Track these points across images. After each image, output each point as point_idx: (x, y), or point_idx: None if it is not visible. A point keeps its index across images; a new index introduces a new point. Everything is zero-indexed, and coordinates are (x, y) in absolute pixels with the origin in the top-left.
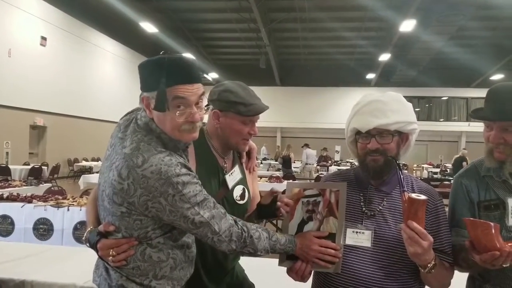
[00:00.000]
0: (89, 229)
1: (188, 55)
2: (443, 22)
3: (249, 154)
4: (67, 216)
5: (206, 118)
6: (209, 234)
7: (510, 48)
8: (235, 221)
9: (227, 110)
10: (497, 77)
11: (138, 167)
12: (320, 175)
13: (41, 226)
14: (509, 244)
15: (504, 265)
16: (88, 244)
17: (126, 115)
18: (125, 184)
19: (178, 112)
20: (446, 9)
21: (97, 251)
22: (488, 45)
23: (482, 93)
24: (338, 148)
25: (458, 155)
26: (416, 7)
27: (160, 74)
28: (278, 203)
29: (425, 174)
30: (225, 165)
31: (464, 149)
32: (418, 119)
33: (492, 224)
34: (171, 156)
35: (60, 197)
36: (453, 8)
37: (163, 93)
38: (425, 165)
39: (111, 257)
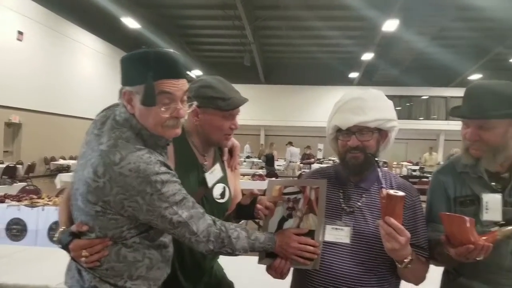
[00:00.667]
0: (61, 229)
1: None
2: (425, 22)
3: (231, 151)
4: (41, 216)
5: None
6: (187, 235)
7: (488, 48)
8: (214, 221)
9: (206, 106)
10: (475, 76)
11: (115, 164)
12: (303, 173)
13: (14, 226)
14: (483, 237)
15: (478, 258)
16: (60, 245)
17: (102, 111)
18: (100, 182)
19: (164, 107)
20: (428, 9)
21: (69, 252)
22: (468, 46)
23: (460, 92)
24: (321, 146)
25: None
26: (399, 7)
27: (147, 68)
28: (258, 205)
29: (404, 172)
30: (205, 163)
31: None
32: (399, 117)
33: (467, 218)
34: (150, 154)
35: (35, 197)
36: (435, 9)
37: (152, 87)
38: (404, 163)
39: (84, 258)
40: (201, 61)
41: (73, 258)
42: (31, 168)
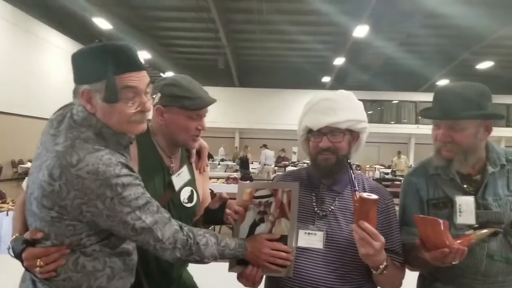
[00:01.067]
0: (13, 236)
1: (144, 53)
2: (393, 28)
3: (199, 153)
4: (6, 222)
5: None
6: (151, 241)
7: (455, 55)
8: (181, 227)
9: (171, 105)
10: (443, 82)
11: (72, 166)
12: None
13: None
14: (458, 241)
15: (454, 262)
16: (12, 254)
17: (59, 109)
18: (56, 186)
19: (129, 102)
20: (396, 16)
21: (22, 262)
22: (435, 52)
23: (429, 97)
24: (295, 149)
25: None
26: (369, 13)
27: (106, 62)
28: (227, 210)
29: (377, 175)
30: (171, 165)
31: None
32: (371, 121)
33: (441, 221)
34: (110, 155)
35: (0, 201)
36: (403, 16)
37: (113, 82)
38: (377, 166)
39: (38, 268)
40: (174, 63)
41: (27, 268)
42: None
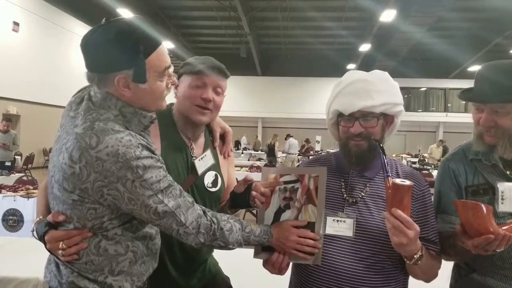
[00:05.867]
0: (37, 219)
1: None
2: (422, 12)
3: (223, 137)
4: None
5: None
6: (174, 226)
7: (487, 39)
8: (204, 212)
9: (181, 75)
10: (475, 68)
11: (91, 148)
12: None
13: (10, 217)
14: (504, 227)
15: (498, 250)
16: (36, 236)
17: (78, 92)
18: (76, 168)
19: (161, 78)
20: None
21: (45, 244)
22: (466, 36)
23: (460, 84)
24: (318, 138)
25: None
26: None
27: (137, 46)
28: (253, 192)
29: (404, 164)
30: (194, 149)
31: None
32: None
33: (483, 205)
34: (131, 137)
35: (31, 187)
36: None
37: (144, 63)
38: (403, 155)
39: (60, 251)
40: (197, 52)
41: (49, 251)
42: (29, 159)
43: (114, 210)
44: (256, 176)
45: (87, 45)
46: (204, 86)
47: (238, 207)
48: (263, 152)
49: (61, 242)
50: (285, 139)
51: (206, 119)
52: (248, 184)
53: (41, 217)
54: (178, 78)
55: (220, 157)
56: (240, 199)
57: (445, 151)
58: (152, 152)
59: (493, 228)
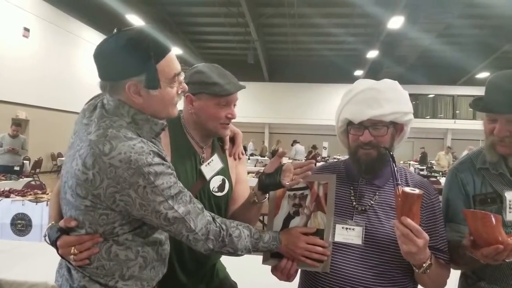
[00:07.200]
0: (49, 224)
1: (176, 49)
2: (430, 19)
3: (233, 140)
4: (46, 211)
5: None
6: (183, 232)
7: (496, 46)
8: (213, 218)
9: (199, 93)
10: (483, 75)
11: (105, 155)
12: None
13: (19, 221)
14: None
15: (507, 260)
16: (48, 241)
17: (91, 99)
18: (90, 174)
19: (172, 84)
20: (434, 6)
21: (57, 249)
22: (474, 43)
23: (468, 90)
24: (325, 144)
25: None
26: (404, 4)
27: (148, 53)
28: (284, 168)
29: (412, 171)
30: (203, 155)
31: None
32: None
33: (492, 215)
34: (143, 144)
35: (40, 192)
36: (441, 6)
37: (155, 69)
38: (411, 162)
39: (72, 256)
40: (205, 58)
41: (61, 256)
42: (38, 164)
43: (125, 216)
44: None
45: (99, 54)
46: (228, 104)
47: (269, 188)
48: (269, 159)
49: (73, 247)
50: (292, 145)
51: (229, 131)
52: (278, 167)
53: (53, 222)
54: (194, 93)
55: (229, 160)
56: (271, 179)
57: (454, 158)
58: (163, 158)
59: (502, 238)
